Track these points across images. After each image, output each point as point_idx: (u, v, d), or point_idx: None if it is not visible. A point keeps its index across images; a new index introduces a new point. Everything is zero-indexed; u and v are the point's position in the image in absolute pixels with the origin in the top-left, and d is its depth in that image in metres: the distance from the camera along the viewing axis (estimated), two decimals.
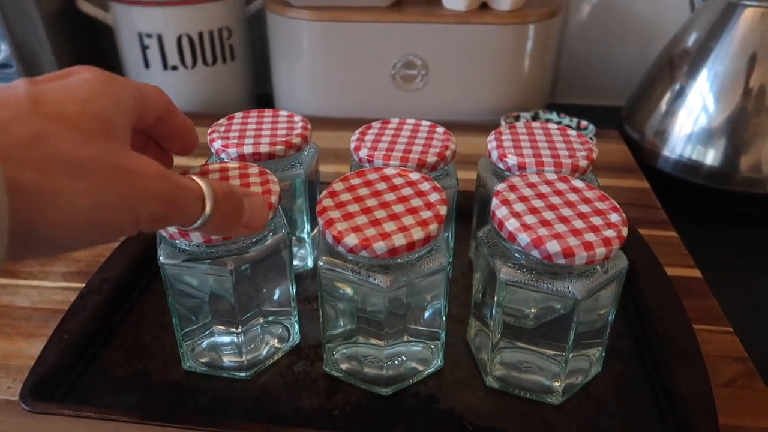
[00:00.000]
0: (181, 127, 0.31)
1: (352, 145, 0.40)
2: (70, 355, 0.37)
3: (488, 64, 0.69)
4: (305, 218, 0.45)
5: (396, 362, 0.36)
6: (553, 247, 0.29)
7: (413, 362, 0.37)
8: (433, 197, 0.33)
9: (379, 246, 0.30)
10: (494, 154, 0.39)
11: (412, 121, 0.43)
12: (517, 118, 0.69)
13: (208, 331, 0.37)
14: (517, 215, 0.31)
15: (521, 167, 0.38)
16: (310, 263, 0.47)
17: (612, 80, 0.86)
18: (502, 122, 0.67)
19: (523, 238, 0.30)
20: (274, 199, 0.33)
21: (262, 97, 0.85)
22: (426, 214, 0.31)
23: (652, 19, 0.81)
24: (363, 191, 0.33)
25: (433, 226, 0.31)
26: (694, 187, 0.60)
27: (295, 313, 0.39)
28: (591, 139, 0.63)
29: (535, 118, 0.69)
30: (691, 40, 0.63)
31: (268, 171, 0.35)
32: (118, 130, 0.24)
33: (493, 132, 0.42)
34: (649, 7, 0.80)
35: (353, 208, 0.32)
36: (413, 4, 0.69)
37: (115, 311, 0.41)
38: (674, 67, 0.63)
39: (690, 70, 0.61)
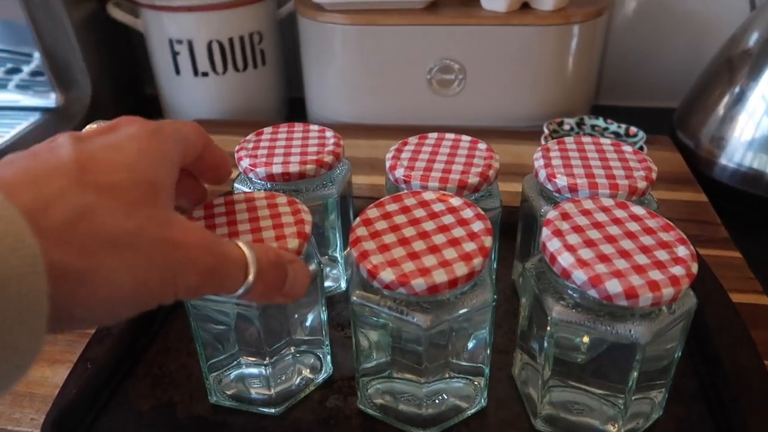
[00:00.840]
0: (216, 161, 0.30)
1: (388, 164, 0.37)
2: (93, 385, 0.35)
3: (529, 68, 0.65)
4: (338, 236, 0.43)
5: (436, 401, 0.33)
6: (613, 286, 0.26)
7: (455, 400, 0.34)
8: (477, 226, 0.30)
9: (418, 283, 0.27)
10: (542, 174, 0.36)
11: (452, 136, 0.40)
12: (560, 124, 0.65)
13: (235, 362, 0.35)
14: (571, 249, 0.28)
15: (572, 189, 0.34)
16: (343, 285, 0.44)
17: (660, 81, 0.81)
18: (545, 129, 0.63)
19: (579, 275, 0.27)
20: (308, 228, 0.31)
21: (293, 101, 0.83)
22: (469, 247, 0.29)
23: (705, 16, 0.76)
24: (400, 219, 0.31)
25: (477, 261, 0.28)
26: (755, 200, 0.56)
27: (327, 342, 0.37)
28: (641, 148, 0.59)
29: (580, 124, 0.65)
30: (753, 39, 0.58)
31: (298, 201, 0.33)
32: (163, 191, 0.23)
33: (539, 148, 0.38)
34: (702, 4, 0.75)
35: (389, 238, 0.29)
36: (450, 6, 0.66)
37: (139, 338, 0.39)
38: (734, 68, 0.59)
39: (751, 72, 0.57)
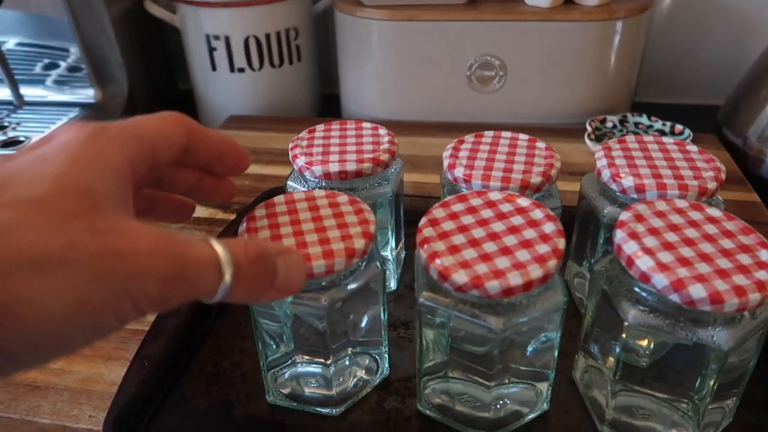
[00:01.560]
0: (219, 149, 0.27)
1: (446, 162, 0.37)
2: (150, 383, 0.35)
3: (571, 64, 0.64)
4: (389, 235, 0.42)
5: (497, 405, 0.32)
6: (697, 291, 0.25)
7: (516, 405, 0.33)
8: (548, 228, 0.29)
9: (493, 285, 0.26)
10: (605, 174, 0.35)
11: (508, 134, 0.39)
12: (603, 122, 0.64)
13: (290, 361, 0.35)
14: (649, 252, 0.27)
15: (639, 190, 0.34)
16: (393, 284, 0.44)
17: (702, 77, 0.80)
18: (588, 126, 0.62)
19: (660, 279, 0.26)
20: (372, 228, 0.30)
21: (328, 97, 0.83)
22: (543, 249, 0.28)
23: (748, 10, 0.74)
24: (467, 219, 0.30)
25: (551, 263, 0.27)
26: None
27: (386, 342, 0.36)
28: None
29: (623, 121, 0.64)
30: None
31: (359, 200, 0.32)
32: (106, 197, 0.20)
33: (601, 146, 0.37)
34: None
35: (458, 239, 0.29)
36: (491, 1, 0.65)
37: (193, 335, 0.39)
38: None
39: None
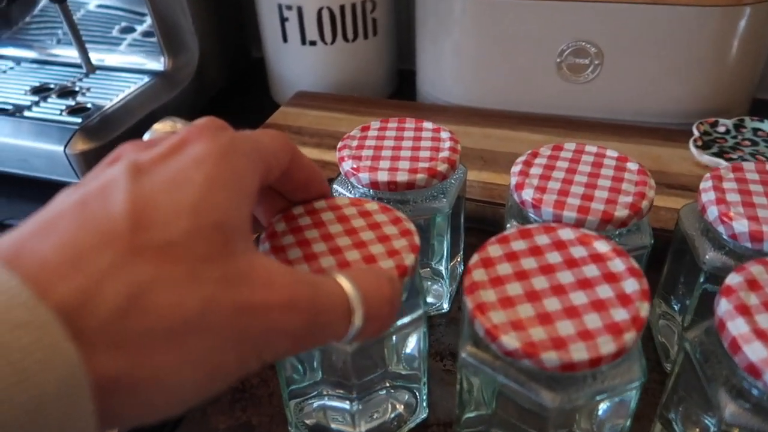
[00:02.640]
0: (306, 177, 0.26)
1: (513, 180, 0.31)
2: None
3: (681, 55, 0.55)
4: (445, 245, 0.37)
5: None
6: None
7: None
8: (631, 286, 0.23)
9: (550, 358, 0.21)
10: (712, 212, 0.28)
11: (593, 149, 0.33)
12: (713, 125, 0.55)
13: (316, 392, 0.31)
14: (762, 335, 0.21)
15: (755, 238, 0.27)
16: (446, 305, 0.39)
17: None
18: (695, 130, 0.54)
19: None
20: (416, 239, 0.26)
21: (405, 74, 0.77)
22: (620, 315, 0.22)
23: None
24: (528, 263, 0.25)
25: (629, 336, 0.22)
26: None
27: (425, 379, 0.32)
28: None
29: (738, 126, 0.55)
30: None
31: (404, 217, 0.27)
32: (237, 230, 0.19)
33: (709, 175, 0.31)
34: None
35: (514, 289, 0.24)
36: None
37: None
38: None
39: None
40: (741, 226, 0.27)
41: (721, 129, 0.55)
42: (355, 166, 0.33)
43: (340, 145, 0.35)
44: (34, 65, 0.70)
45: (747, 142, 0.53)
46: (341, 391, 0.30)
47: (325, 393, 0.31)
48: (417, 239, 0.26)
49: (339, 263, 0.25)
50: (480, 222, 0.45)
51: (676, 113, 0.58)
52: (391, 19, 0.71)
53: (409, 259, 0.25)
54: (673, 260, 0.34)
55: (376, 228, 0.27)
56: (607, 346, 0.21)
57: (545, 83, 0.60)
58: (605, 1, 0.54)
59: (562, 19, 0.56)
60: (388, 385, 0.31)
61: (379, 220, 0.27)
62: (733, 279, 0.23)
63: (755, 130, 0.54)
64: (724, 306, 0.22)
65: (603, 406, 0.27)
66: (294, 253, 0.26)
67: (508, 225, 0.32)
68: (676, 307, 0.35)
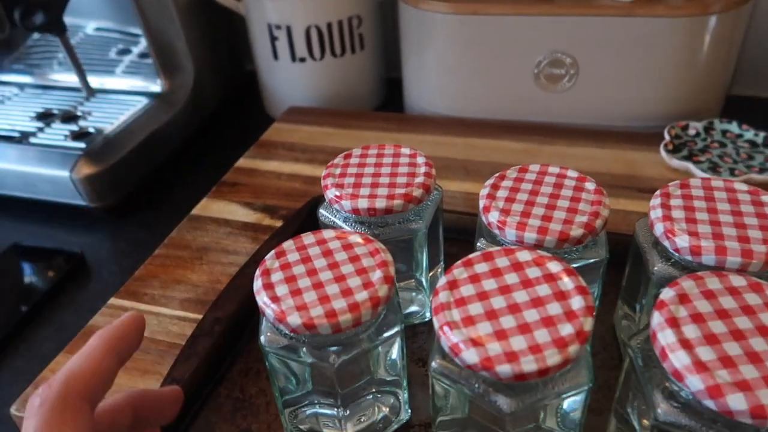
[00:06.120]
0: (157, 409, 0.30)
1: (481, 204, 0.34)
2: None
3: (653, 63, 0.58)
4: (423, 258, 0.40)
5: None
6: (736, 402, 0.22)
7: None
8: (576, 303, 0.26)
9: (504, 370, 0.24)
10: (658, 228, 0.32)
11: (556, 169, 0.36)
12: (684, 129, 0.58)
13: (307, 402, 0.34)
14: (687, 345, 0.24)
15: (694, 252, 0.30)
16: (428, 314, 0.42)
17: None
18: (666, 135, 0.56)
19: (695, 381, 0.23)
20: (392, 270, 0.30)
21: (392, 82, 0.80)
22: (565, 330, 0.25)
23: None
24: (489, 285, 0.28)
25: (573, 348, 0.25)
26: None
27: (405, 383, 0.35)
28: None
29: (708, 128, 0.58)
30: None
31: (381, 249, 0.31)
32: None
33: (659, 193, 0.34)
34: None
35: (476, 309, 0.27)
36: None
37: (224, 357, 0.40)
38: None
39: None
40: (683, 241, 0.30)
41: (692, 132, 0.58)
42: (338, 194, 0.36)
43: (324, 173, 0.38)
44: (37, 90, 0.73)
45: (715, 144, 0.56)
46: (330, 400, 0.33)
47: (315, 402, 0.34)
48: (392, 270, 0.30)
49: (320, 298, 0.29)
50: (461, 233, 0.48)
51: (650, 117, 0.61)
52: (378, 33, 0.74)
53: (382, 291, 0.29)
54: (632, 267, 0.37)
55: (356, 260, 0.30)
56: (553, 357, 0.25)
57: (525, 93, 0.63)
58: (579, 14, 0.57)
59: (539, 32, 0.59)
60: (374, 390, 0.34)
61: (360, 253, 0.31)
62: (666, 294, 0.26)
63: (724, 132, 0.57)
64: (656, 319, 0.26)
65: (564, 404, 0.30)
66: (281, 290, 0.29)
67: (478, 243, 0.35)
68: (636, 308, 0.38)
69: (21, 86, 0.74)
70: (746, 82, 0.73)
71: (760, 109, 0.71)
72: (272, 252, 0.31)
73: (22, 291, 0.52)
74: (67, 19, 0.62)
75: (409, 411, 0.36)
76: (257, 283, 0.30)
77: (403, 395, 0.35)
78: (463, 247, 0.36)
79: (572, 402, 0.29)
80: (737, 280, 0.27)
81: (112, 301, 0.46)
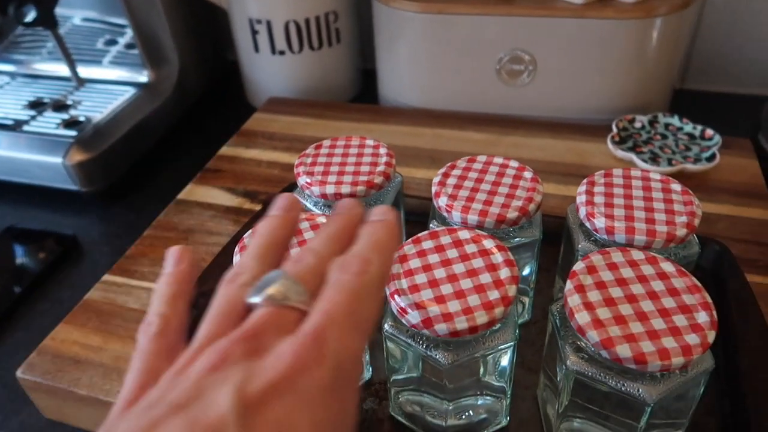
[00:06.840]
0: None
1: (433, 190, 0.39)
2: None
3: (605, 61, 0.63)
4: None
5: (462, 416, 0.36)
6: (623, 351, 0.28)
7: (480, 415, 0.37)
8: (504, 274, 0.32)
9: (441, 328, 0.30)
10: (582, 211, 0.37)
11: (500, 160, 0.41)
12: (631, 122, 0.63)
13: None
14: (589, 307, 0.30)
15: (609, 232, 0.35)
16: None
17: (759, 66, 0.75)
18: (614, 127, 0.62)
19: (593, 335, 0.28)
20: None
21: (368, 73, 0.84)
22: (493, 295, 0.31)
23: None
24: (433, 258, 0.33)
25: (498, 310, 0.30)
26: None
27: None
28: (714, 155, 0.57)
29: (652, 122, 0.63)
30: None
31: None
32: None
33: (585, 181, 0.39)
34: None
35: (420, 279, 0.32)
36: None
37: None
38: None
39: None
40: (600, 222, 0.36)
41: (638, 125, 0.63)
42: (308, 181, 0.41)
43: (297, 161, 0.43)
44: (28, 79, 0.77)
45: (658, 137, 0.62)
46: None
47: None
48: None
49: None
50: (423, 216, 0.53)
51: (601, 111, 0.66)
52: (354, 27, 0.78)
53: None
54: (565, 245, 0.42)
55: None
56: (481, 317, 0.30)
57: (487, 87, 0.67)
58: (537, 15, 0.62)
59: (500, 31, 0.64)
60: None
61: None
62: (578, 266, 0.32)
63: (666, 125, 0.63)
64: (568, 285, 0.31)
65: (502, 360, 0.35)
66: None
67: (431, 225, 0.40)
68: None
69: (12, 75, 0.78)
70: (698, 77, 0.78)
71: (711, 103, 0.76)
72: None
73: (18, 271, 0.56)
74: (56, 10, 0.66)
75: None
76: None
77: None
78: (423, 229, 0.41)
79: (505, 357, 0.34)
80: (637, 255, 0.32)
81: (106, 277, 0.51)
